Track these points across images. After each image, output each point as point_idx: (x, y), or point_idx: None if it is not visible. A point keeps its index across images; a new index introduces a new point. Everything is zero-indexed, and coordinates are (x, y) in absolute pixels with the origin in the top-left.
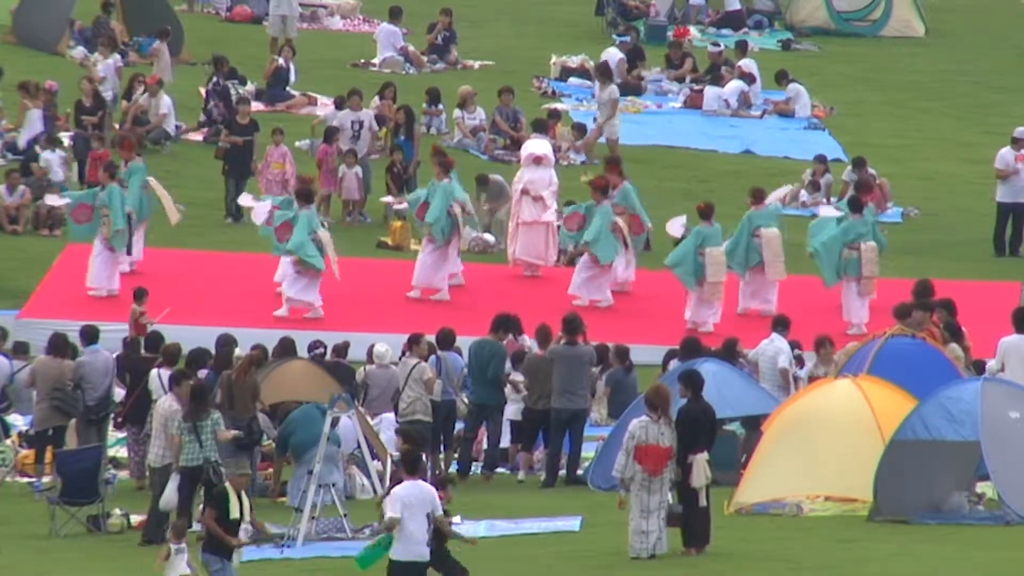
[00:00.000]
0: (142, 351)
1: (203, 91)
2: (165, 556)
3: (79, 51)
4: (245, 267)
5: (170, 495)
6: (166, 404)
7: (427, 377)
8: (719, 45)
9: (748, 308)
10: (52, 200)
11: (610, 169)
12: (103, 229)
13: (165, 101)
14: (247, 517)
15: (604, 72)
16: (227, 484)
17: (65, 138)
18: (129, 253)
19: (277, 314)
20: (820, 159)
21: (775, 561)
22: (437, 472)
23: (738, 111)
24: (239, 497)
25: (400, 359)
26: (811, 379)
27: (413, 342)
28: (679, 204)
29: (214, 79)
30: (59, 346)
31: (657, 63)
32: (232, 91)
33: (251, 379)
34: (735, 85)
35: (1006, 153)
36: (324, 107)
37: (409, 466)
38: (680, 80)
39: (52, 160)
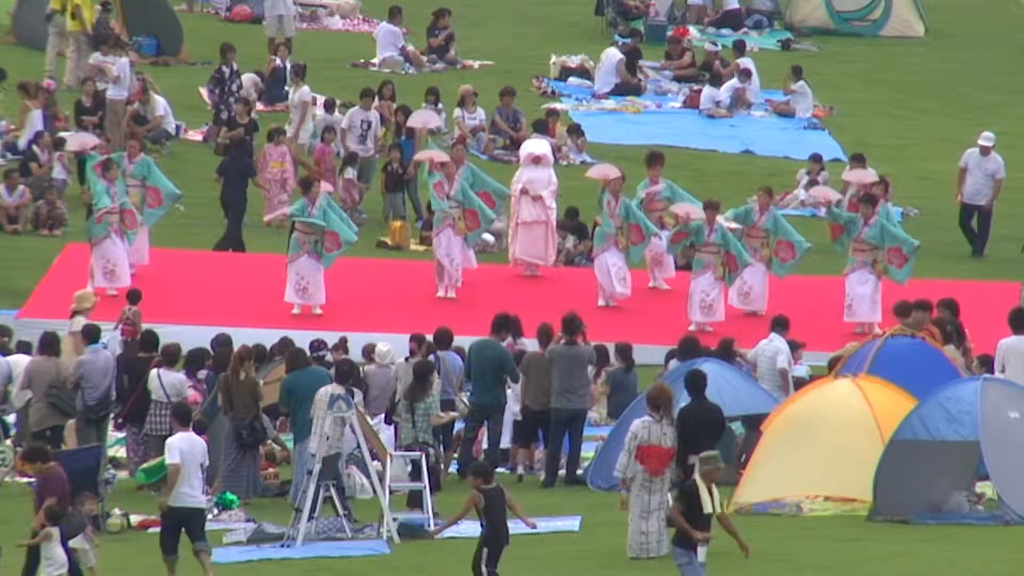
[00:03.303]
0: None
1: (203, 90)
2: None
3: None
4: (245, 267)
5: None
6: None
7: (438, 380)
8: (716, 44)
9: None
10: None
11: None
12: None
13: (160, 103)
14: (718, 509)
15: (298, 72)
16: (697, 478)
17: (64, 137)
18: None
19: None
20: (815, 158)
21: (775, 561)
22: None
23: (732, 109)
24: (710, 491)
25: (407, 359)
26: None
27: (419, 341)
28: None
29: (221, 69)
30: (51, 345)
31: (657, 61)
32: (235, 85)
33: (249, 377)
34: (730, 83)
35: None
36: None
37: (182, 418)
38: (680, 79)
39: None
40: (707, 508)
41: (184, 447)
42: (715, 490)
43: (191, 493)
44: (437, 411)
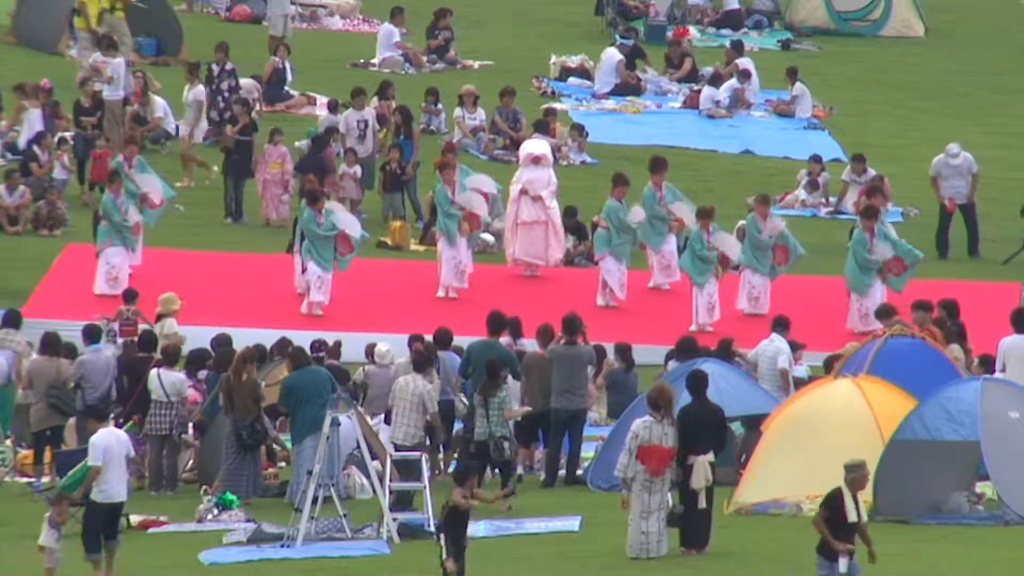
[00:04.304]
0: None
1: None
2: None
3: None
4: (245, 267)
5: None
6: (420, 382)
7: (437, 381)
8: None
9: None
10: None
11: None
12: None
13: (160, 104)
14: (863, 519)
15: (192, 71)
16: (843, 486)
17: (66, 137)
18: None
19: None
20: (815, 159)
21: (775, 561)
22: (437, 472)
23: (732, 109)
24: (855, 500)
25: (412, 360)
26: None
27: (418, 341)
28: None
29: (211, 67)
30: (52, 345)
31: (657, 64)
32: (225, 84)
33: (251, 379)
34: (728, 83)
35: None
36: (323, 107)
37: (95, 414)
38: (679, 80)
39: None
40: (851, 517)
41: (108, 444)
42: (859, 499)
43: (118, 489)
44: (510, 405)
